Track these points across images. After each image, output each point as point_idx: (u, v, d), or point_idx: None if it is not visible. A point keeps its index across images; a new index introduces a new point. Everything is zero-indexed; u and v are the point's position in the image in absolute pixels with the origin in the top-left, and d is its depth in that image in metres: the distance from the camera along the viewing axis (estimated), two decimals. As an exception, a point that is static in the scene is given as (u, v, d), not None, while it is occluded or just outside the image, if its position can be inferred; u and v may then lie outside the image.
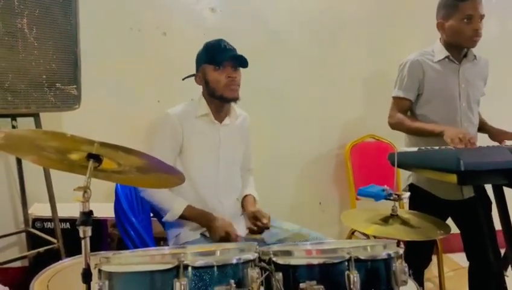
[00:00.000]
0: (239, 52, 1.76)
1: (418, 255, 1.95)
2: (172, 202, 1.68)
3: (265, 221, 1.70)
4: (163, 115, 1.75)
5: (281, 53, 2.77)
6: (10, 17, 1.83)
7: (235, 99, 1.75)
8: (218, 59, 1.70)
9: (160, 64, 2.56)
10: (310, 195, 2.93)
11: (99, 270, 0.92)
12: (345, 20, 2.87)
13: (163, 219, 1.70)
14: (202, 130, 1.76)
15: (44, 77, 1.96)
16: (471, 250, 2.01)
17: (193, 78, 1.83)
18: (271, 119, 2.75)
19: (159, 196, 1.68)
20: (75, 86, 2.06)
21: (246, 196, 1.90)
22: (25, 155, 1.20)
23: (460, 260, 2.94)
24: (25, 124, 2.09)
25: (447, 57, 1.95)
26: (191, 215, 1.69)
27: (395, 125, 2.03)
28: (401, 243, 1.06)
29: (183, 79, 1.84)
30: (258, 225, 1.71)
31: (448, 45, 1.96)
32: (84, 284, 0.98)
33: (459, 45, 1.93)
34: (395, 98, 2.03)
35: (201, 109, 1.77)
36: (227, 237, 1.61)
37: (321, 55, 2.85)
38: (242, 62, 1.73)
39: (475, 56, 2.00)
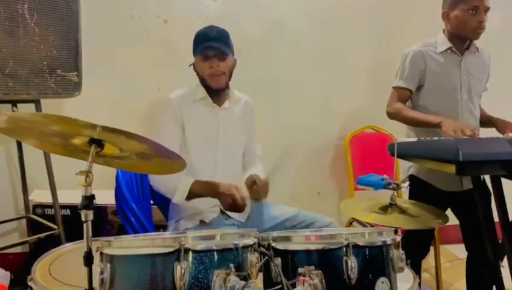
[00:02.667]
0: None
1: (416, 246, 1.98)
2: (177, 182, 1.65)
3: (261, 180, 1.65)
4: (164, 99, 1.76)
5: (282, 42, 2.77)
6: (11, 2, 1.82)
7: (220, 89, 1.75)
8: (200, 48, 1.70)
9: (160, 52, 2.56)
10: (309, 185, 2.94)
11: (101, 253, 0.93)
12: (347, 11, 2.86)
13: (173, 201, 1.68)
14: (201, 114, 1.76)
15: (45, 63, 1.95)
16: (469, 241, 2.03)
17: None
18: (271, 108, 2.75)
19: (165, 181, 1.67)
20: (75, 73, 2.06)
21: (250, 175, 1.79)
22: (27, 139, 1.20)
23: (457, 251, 2.98)
24: (26, 110, 2.09)
25: (449, 48, 1.95)
26: (198, 190, 1.65)
27: (392, 115, 2.03)
28: (399, 231, 1.07)
29: (189, 66, 1.81)
30: (256, 188, 1.64)
31: (451, 36, 1.96)
32: (86, 267, 1.00)
33: (463, 36, 1.94)
34: (395, 88, 2.04)
35: (199, 92, 1.77)
36: (234, 202, 1.56)
37: (322, 45, 2.85)
38: (216, 51, 1.69)
39: (477, 48, 2.01)
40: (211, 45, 1.67)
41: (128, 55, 2.51)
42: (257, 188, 1.65)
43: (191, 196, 1.66)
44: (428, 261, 2.68)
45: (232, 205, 1.57)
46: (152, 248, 0.89)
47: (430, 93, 1.97)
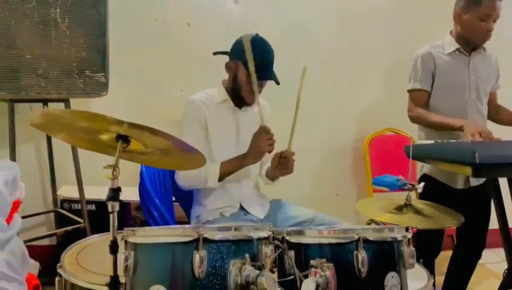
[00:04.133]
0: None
1: (428, 245, 2.00)
2: (206, 170, 1.72)
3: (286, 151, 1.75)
4: (188, 102, 1.82)
5: (302, 44, 2.80)
6: (45, 7, 1.92)
7: (252, 104, 1.82)
8: (259, 74, 1.70)
9: (183, 54, 2.63)
10: (327, 186, 2.96)
11: (126, 242, 0.99)
12: (367, 11, 2.87)
13: (208, 185, 1.75)
14: (223, 116, 1.82)
15: (74, 64, 2.06)
16: (463, 238, 2.12)
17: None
18: (291, 109, 2.78)
19: (192, 175, 1.73)
20: (103, 74, 2.15)
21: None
22: (57, 134, 1.29)
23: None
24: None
25: (457, 49, 1.98)
26: (228, 168, 1.75)
27: (415, 119, 2.06)
28: (410, 228, 1.10)
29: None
30: (282, 159, 1.75)
31: (458, 38, 1.99)
32: (112, 255, 1.06)
33: (470, 40, 1.97)
34: (412, 91, 2.06)
35: (221, 95, 1.83)
36: (265, 145, 1.69)
37: (342, 47, 2.87)
38: (278, 81, 1.79)
39: (484, 48, 2.03)
40: (272, 77, 1.76)
41: (153, 57, 2.59)
42: (285, 160, 1.75)
43: (223, 176, 1.75)
44: (447, 266, 2.66)
45: (267, 144, 1.69)
46: (173, 237, 0.94)
47: (438, 93, 2.00)
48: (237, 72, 1.77)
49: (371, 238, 1.00)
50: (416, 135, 2.18)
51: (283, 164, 1.77)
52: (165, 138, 1.07)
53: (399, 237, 1.05)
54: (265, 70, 1.73)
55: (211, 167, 1.74)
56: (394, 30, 2.91)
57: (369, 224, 2.63)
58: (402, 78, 2.31)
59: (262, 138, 1.69)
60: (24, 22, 1.87)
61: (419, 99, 2.03)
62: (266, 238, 1.00)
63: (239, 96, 1.80)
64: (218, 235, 0.93)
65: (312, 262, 0.95)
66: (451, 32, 2.03)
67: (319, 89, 2.86)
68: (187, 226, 1.00)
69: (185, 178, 1.77)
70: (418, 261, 1.22)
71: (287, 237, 1.04)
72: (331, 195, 2.98)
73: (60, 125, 1.17)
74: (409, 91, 2.07)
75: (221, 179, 1.75)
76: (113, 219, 1.07)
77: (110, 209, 1.06)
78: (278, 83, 1.78)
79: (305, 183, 2.90)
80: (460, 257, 2.15)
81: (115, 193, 1.07)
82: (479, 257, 2.10)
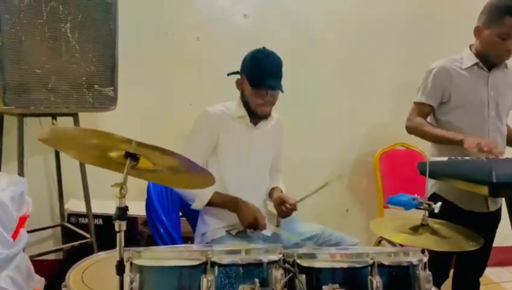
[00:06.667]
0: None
1: (437, 268, 1.95)
2: (197, 192, 1.74)
3: (291, 201, 1.76)
4: (203, 112, 1.81)
5: (312, 56, 2.79)
6: (55, 22, 1.92)
7: (266, 116, 1.82)
8: (256, 82, 1.72)
9: (193, 68, 2.63)
10: (337, 201, 2.93)
11: (131, 264, 0.97)
12: (379, 24, 2.86)
13: (192, 206, 1.76)
14: (237, 132, 1.81)
15: (84, 78, 2.05)
16: (464, 259, 2.03)
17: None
18: (301, 122, 2.77)
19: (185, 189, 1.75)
20: (112, 88, 2.14)
21: (273, 188, 1.95)
22: (67, 150, 1.27)
23: (493, 274, 2.88)
24: (65, 123, 2.19)
25: (476, 64, 1.91)
26: (218, 201, 1.74)
27: (412, 129, 2.01)
28: (426, 251, 1.06)
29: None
30: (286, 207, 1.76)
31: (478, 53, 1.91)
32: (118, 276, 1.03)
33: (487, 56, 1.89)
34: (416, 103, 2.01)
35: (238, 111, 1.82)
36: (255, 223, 1.69)
37: (353, 60, 2.85)
38: (279, 88, 1.74)
39: (506, 65, 1.95)
40: (270, 85, 1.71)
41: (162, 71, 2.59)
42: (286, 208, 1.76)
43: (209, 205, 1.75)
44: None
45: (252, 224, 1.69)
46: (180, 260, 0.92)
47: (456, 109, 1.92)
48: (243, 86, 1.79)
49: (386, 263, 0.97)
50: (428, 151, 2.12)
51: (284, 211, 1.79)
52: (174, 157, 1.05)
53: (415, 261, 1.01)
54: (262, 79, 1.71)
55: (204, 191, 1.73)
56: (406, 42, 2.89)
57: (379, 241, 2.58)
58: (413, 91, 2.28)
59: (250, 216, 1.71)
60: (35, 36, 1.87)
61: (421, 112, 1.99)
62: (276, 262, 0.97)
63: (250, 110, 1.80)
64: (226, 259, 0.91)
65: (324, 288, 0.92)
66: (471, 47, 1.95)
67: (329, 101, 2.84)
68: (195, 247, 0.97)
69: (180, 189, 1.79)
70: None
71: (298, 261, 1.01)
72: (341, 210, 2.94)
73: (69, 142, 1.16)
74: (414, 102, 2.02)
75: (208, 205, 1.75)
76: (120, 239, 1.04)
77: (117, 228, 1.04)
78: (281, 91, 1.75)
79: (315, 198, 2.85)
80: (460, 276, 2.09)
81: (122, 211, 1.04)
82: (480, 274, 2.07)
